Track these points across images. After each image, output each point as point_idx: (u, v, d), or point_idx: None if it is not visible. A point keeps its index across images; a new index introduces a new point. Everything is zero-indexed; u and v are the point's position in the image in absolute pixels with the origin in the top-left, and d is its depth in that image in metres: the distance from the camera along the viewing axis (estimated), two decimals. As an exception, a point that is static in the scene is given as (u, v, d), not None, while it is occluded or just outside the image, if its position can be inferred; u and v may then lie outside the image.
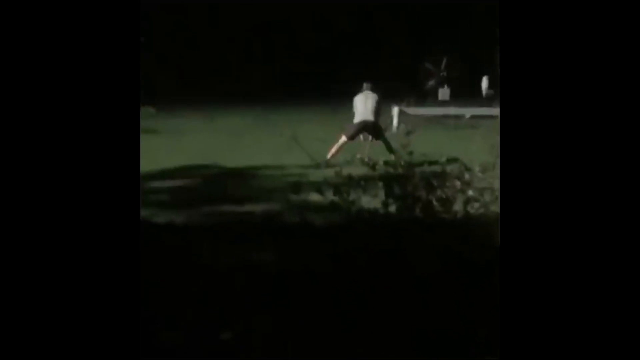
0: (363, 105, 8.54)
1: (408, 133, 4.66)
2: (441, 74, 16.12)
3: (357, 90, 8.99)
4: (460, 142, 10.44)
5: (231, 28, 25.69)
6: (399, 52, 22.42)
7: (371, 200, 4.35)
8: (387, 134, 12.18)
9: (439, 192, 4.22)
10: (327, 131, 11.07)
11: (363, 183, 4.56)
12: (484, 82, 18.43)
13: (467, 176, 4.49)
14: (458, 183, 4.42)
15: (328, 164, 7.76)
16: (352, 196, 4.38)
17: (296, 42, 26.40)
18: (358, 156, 7.20)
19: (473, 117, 13.45)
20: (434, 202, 4.20)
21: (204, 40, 24.30)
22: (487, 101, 17.02)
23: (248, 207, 5.60)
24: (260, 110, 16.98)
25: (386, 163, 7.85)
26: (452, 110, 13.30)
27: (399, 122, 12.39)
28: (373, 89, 8.80)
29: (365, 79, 9.11)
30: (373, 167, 4.48)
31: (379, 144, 8.51)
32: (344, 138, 8.33)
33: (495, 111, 13.63)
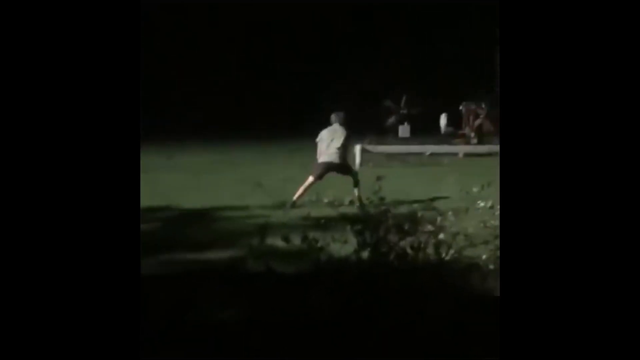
0: (328, 144, 7.90)
1: (378, 178, 4.50)
2: (401, 111, 16.28)
3: (325, 122, 8.27)
4: (424, 179, 10.49)
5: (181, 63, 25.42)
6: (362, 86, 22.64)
7: (342, 247, 4.16)
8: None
9: (410, 238, 4.06)
10: (293, 170, 11.00)
11: (331, 225, 4.41)
12: (443, 119, 18.71)
13: (439, 220, 4.36)
14: (430, 227, 4.27)
15: (294, 205, 7.56)
16: (321, 242, 4.18)
17: (258, 73, 26.39)
18: (326, 200, 7.07)
19: (432, 154, 13.54)
20: (407, 249, 4.03)
21: (161, 75, 23.98)
22: (446, 138, 17.31)
23: (210, 254, 5.30)
24: (222, 147, 16.74)
25: (352, 203, 7.73)
26: (414, 148, 13.34)
27: (361, 160, 12.34)
28: (342, 122, 8.04)
29: (331, 111, 8.31)
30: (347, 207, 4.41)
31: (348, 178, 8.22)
32: (310, 178, 7.95)
33: (455, 149, 13.65)
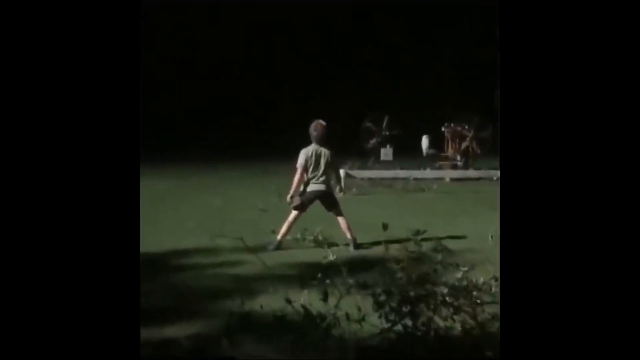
0: (314, 169, 6.45)
1: (417, 233, 3.32)
2: (383, 132, 15.25)
3: (300, 141, 6.75)
4: (418, 208, 9.39)
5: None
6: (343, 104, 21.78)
7: (353, 313, 2.95)
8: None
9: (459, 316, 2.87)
10: (268, 196, 9.75)
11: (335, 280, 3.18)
12: (424, 141, 17.75)
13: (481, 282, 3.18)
14: (476, 294, 3.10)
15: (279, 247, 6.32)
16: (324, 310, 2.97)
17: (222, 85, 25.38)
18: (312, 236, 5.84)
19: (416, 179, 12.50)
20: (457, 326, 2.85)
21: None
22: (429, 161, 16.37)
23: (166, 330, 3.77)
24: (182, 170, 15.32)
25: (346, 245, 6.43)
26: (401, 173, 12.26)
27: (346, 186, 11.17)
28: (321, 138, 6.51)
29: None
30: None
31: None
32: (294, 213, 6.60)
33: (442, 173, 12.51)
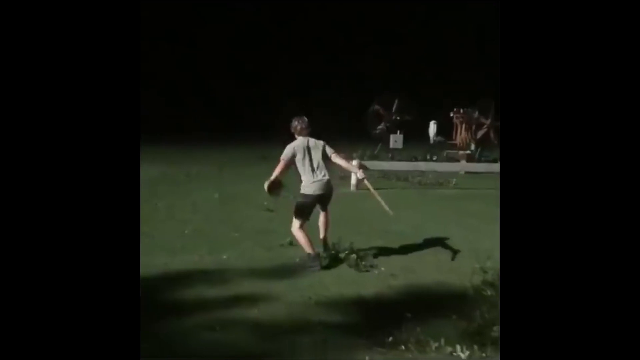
0: (309, 167, 5.19)
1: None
2: (393, 117, 13.86)
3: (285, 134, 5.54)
4: (444, 210, 8.05)
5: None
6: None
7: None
8: (344, 191, 9.73)
9: None
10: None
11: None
12: (432, 128, 16.48)
13: None
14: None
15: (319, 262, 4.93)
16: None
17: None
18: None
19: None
20: None
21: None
22: (437, 148, 15.09)
23: None
24: (178, 155, 13.84)
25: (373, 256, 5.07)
26: (421, 165, 10.86)
27: (358, 179, 9.81)
28: (307, 132, 5.35)
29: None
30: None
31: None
32: (297, 223, 5.08)
33: (464, 166, 10.94)
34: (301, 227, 5.12)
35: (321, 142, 5.36)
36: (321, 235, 5.38)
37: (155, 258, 5.03)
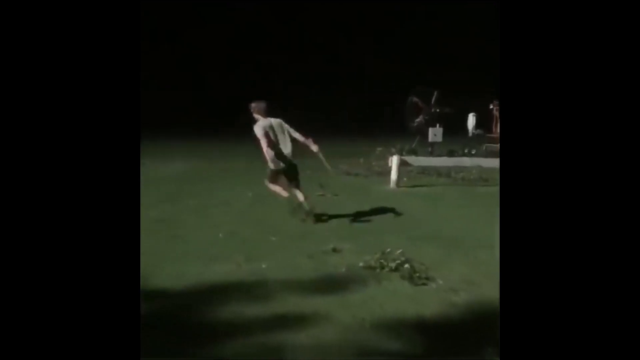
0: (281, 139, 6.27)
1: None
2: (432, 109, 13.23)
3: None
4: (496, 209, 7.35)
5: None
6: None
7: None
8: (384, 189, 9.17)
9: None
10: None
11: None
12: (471, 120, 15.81)
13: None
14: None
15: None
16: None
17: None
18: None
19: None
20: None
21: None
22: (476, 141, 14.42)
23: None
24: (184, 149, 13.39)
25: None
26: (465, 161, 10.24)
27: (399, 176, 9.28)
28: (266, 114, 6.29)
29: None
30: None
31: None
32: (284, 193, 6.49)
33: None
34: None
35: (280, 120, 6.27)
36: (301, 199, 6.37)
37: (189, 266, 4.60)
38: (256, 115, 6.25)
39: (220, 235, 5.74)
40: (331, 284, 4.20)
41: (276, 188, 6.41)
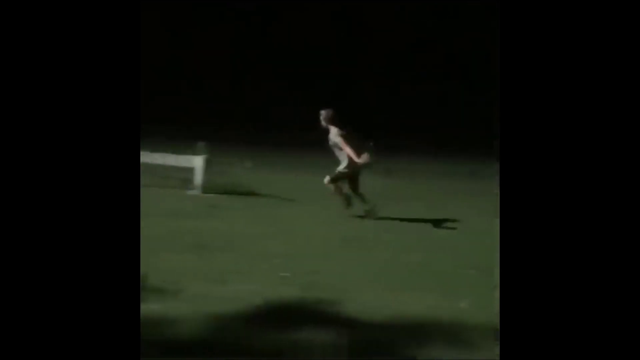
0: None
1: None
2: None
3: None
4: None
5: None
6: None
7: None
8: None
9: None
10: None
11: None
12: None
13: None
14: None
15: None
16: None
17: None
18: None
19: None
20: None
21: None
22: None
23: None
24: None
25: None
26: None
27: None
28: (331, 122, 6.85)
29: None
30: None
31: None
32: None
33: None
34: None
35: (336, 129, 6.74)
36: (347, 191, 6.93)
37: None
38: (327, 124, 6.71)
39: (281, 274, 4.76)
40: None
41: (336, 187, 6.83)
